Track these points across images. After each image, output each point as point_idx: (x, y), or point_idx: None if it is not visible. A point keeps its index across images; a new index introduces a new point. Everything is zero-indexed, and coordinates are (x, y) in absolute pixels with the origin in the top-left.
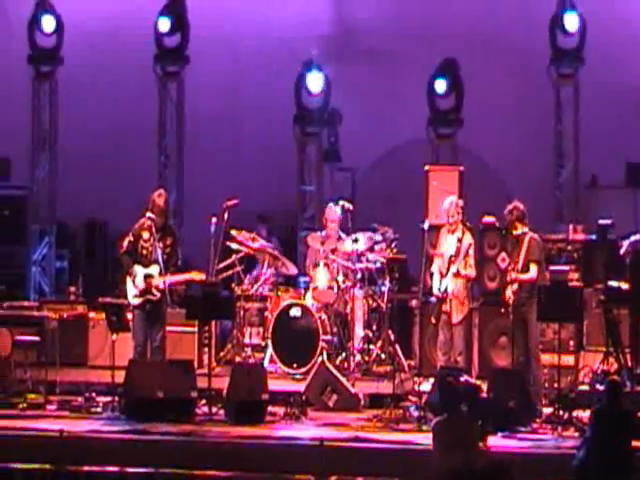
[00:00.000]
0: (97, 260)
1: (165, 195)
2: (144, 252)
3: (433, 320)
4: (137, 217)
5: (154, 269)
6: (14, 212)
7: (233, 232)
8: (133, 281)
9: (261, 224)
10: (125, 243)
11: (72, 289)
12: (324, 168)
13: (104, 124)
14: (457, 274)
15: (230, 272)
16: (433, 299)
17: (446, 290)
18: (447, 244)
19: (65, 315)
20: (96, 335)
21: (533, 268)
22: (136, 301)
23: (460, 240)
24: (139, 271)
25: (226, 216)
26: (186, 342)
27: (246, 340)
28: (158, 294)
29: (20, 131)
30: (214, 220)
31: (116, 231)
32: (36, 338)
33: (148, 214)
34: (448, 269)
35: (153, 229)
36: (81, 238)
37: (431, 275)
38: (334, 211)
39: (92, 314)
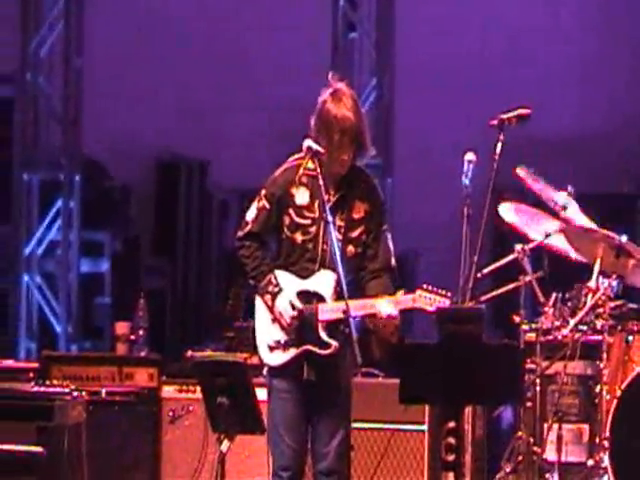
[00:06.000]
0: (176, 253)
1: (352, 96)
2: (298, 237)
3: None
4: (281, 154)
5: (324, 280)
6: None
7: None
8: (270, 308)
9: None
10: (251, 215)
11: (120, 327)
12: None
13: None
14: None
15: (512, 286)
16: None
17: None
18: None
19: (104, 393)
20: (179, 443)
21: None
22: (278, 359)
23: None
24: (287, 284)
25: (499, 148)
26: (406, 455)
27: (548, 454)
28: (334, 343)
29: None
30: (471, 157)
31: (221, 182)
32: (36, 449)
33: (308, 143)
34: None
35: (320, 180)
36: (144, 199)
37: None
38: None
39: (168, 389)
